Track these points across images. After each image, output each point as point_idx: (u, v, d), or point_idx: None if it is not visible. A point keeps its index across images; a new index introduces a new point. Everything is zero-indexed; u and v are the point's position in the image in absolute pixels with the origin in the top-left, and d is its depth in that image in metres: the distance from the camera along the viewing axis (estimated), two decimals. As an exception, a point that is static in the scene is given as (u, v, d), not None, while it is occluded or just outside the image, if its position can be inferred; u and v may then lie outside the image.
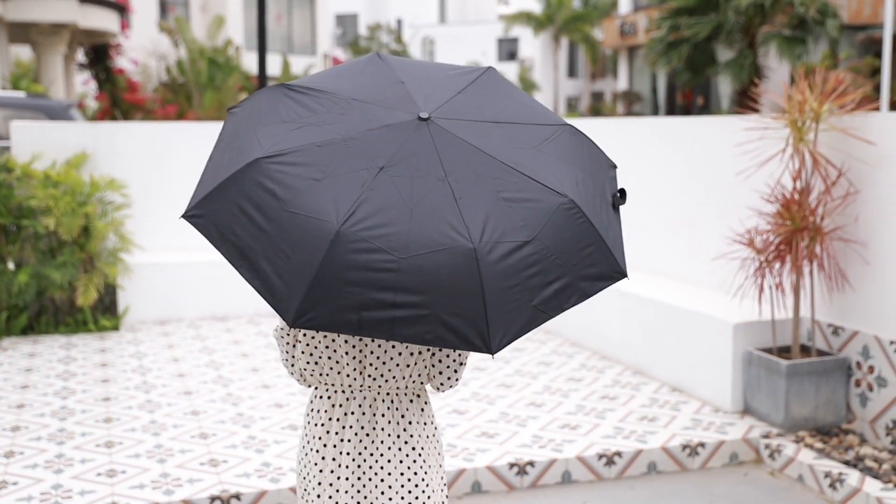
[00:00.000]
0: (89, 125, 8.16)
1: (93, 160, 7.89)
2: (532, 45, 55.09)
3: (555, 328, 7.36)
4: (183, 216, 2.02)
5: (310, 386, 2.39)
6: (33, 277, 7.22)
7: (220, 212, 1.97)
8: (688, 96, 27.33)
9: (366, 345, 2.21)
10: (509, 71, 52.77)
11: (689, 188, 6.54)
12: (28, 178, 7.39)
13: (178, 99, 25.39)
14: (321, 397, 2.33)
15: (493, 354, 1.83)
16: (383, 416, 2.26)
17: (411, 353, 2.23)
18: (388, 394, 2.27)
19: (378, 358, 2.22)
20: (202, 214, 2.00)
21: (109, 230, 7.40)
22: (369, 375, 2.24)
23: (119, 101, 24.30)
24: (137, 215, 8.00)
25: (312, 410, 2.36)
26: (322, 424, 2.31)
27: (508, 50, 57.08)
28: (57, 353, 6.79)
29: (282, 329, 2.36)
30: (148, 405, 5.57)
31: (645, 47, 22.63)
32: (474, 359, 6.67)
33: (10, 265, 7.36)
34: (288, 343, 2.34)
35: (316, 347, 2.26)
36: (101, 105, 24.62)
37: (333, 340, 2.23)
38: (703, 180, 6.37)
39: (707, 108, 26.25)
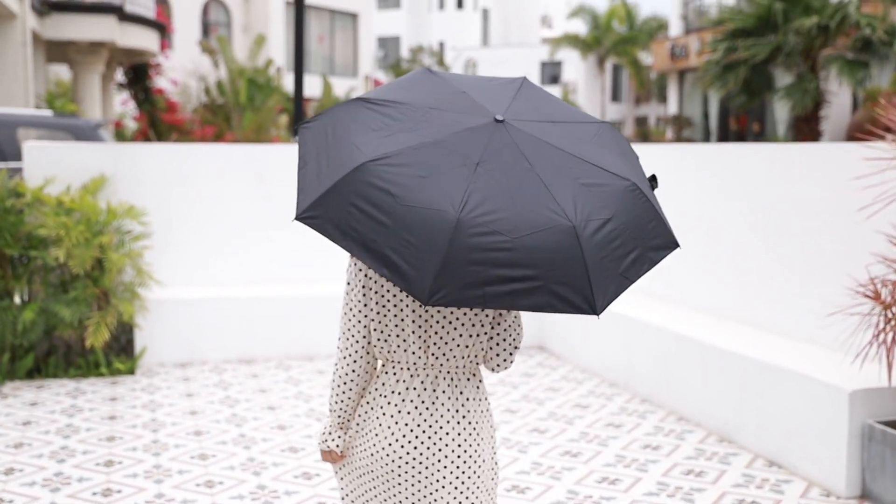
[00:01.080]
0: (109, 146, 7.46)
1: (111, 185, 7.18)
2: (576, 68, 54.31)
3: (622, 380, 6.50)
4: (297, 218, 2.18)
5: (372, 366, 2.55)
6: (41, 314, 6.51)
7: (336, 211, 2.16)
8: (742, 121, 26.32)
9: (430, 326, 2.43)
10: (553, 94, 51.95)
11: (793, 226, 5.66)
12: (40, 204, 6.70)
13: (216, 120, 24.89)
14: (387, 373, 2.51)
15: (598, 315, 2.10)
16: (444, 392, 2.48)
17: (471, 336, 2.46)
18: (448, 372, 2.49)
19: (441, 338, 2.45)
20: (317, 215, 2.18)
21: (126, 263, 6.67)
22: (433, 354, 2.46)
23: (157, 121, 23.82)
24: (158, 246, 7.27)
25: (380, 385, 2.53)
26: (385, 396, 2.50)
27: (551, 73, 56.34)
28: (62, 401, 6.05)
29: (353, 308, 2.48)
30: (155, 472, 4.78)
31: (699, 70, 21.71)
32: (510, 404, 5.82)
33: (17, 300, 6.65)
34: (361, 313, 2.48)
35: (387, 326, 2.46)
36: (139, 125, 24.17)
37: (402, 320, 2.44)
38: (811, 218, 5.49)
39: (762, 135, 25.21)
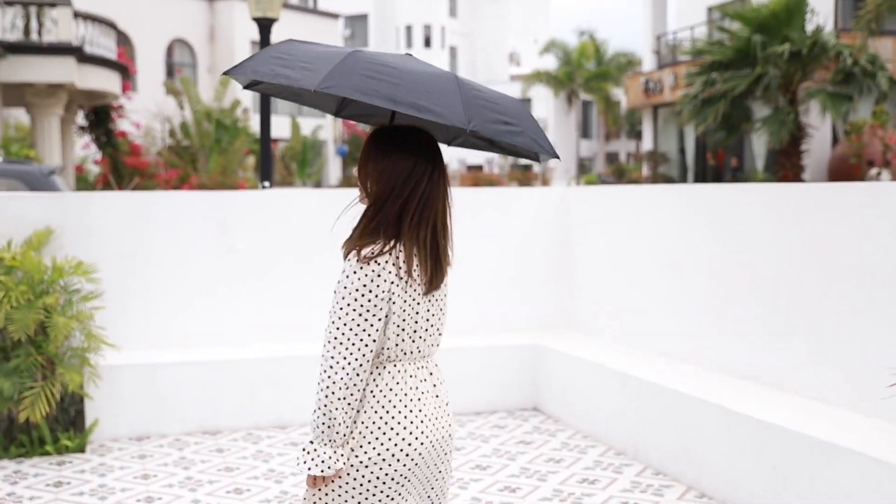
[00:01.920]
0: (55, 196, 6.74)
1: (58, 238, 6.46)
2: (546, 105, 54.20)
3: (631, 448, 5.83)
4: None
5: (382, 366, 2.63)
6: (-24, 387, 5.76)
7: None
8: (720, 157, 25.96)
9: (425, 312, 2.65)
10: (523, 132, 51.67)
11: (833, 278, 5.06)
12: (-24, 262, 5.97)
13: (181, 162, 24.20)
14: (387, 370, 2.62)
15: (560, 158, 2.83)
16: (436, 376, 2.75)
17: (443, 319, 2.75)
18: (432, 357, 2.75)
19: (433, 325, 2.69)
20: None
21: (73, 326, 5.94)
22: (426, 341, 2.68)
23: (120, 165, 23.10)
24: (111, 306, 6.54)
25: (383, 384, 2.61)
26: (397, 393, 2.61)
27: (521, 111, 56.05)
28: (-2, 489, 5.29)
29: (371, 317, 2.53)
30: (101, 584, 4.05)
31: (677, 104, 21.33)
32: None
33: (-50, 371, 5.90)
34: (378, 319, 2.54)
35: (410, 316, 2.60)
36: (101, 169, 23.42)
37: (413, 314, 2.61)
38: (854, 269, 4.89)
39: (741, 170, 24.85)
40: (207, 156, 24.29)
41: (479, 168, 52.75)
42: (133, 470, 5.64)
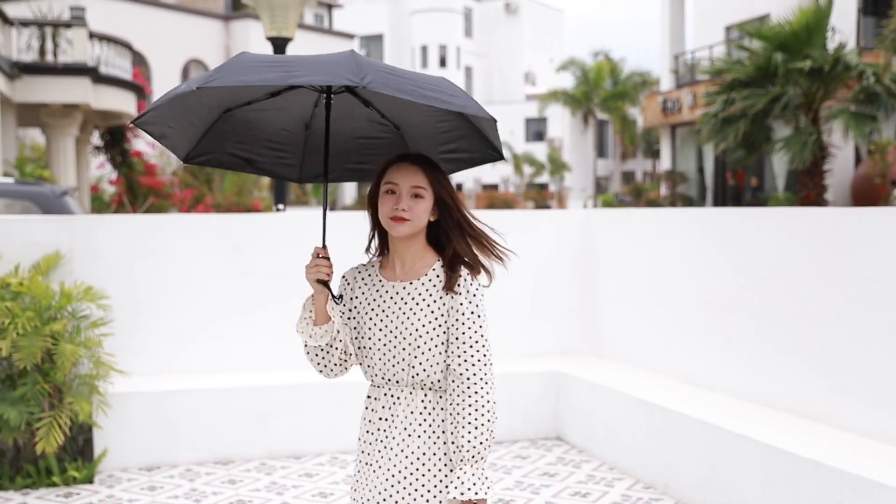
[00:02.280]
0: (65, 219, 6.57)
1: (67, 263, 6.29)
2: (561, 125, 54.03)
3: (661, 482, 5.58)
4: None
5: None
6: (-19, 417, 5.57)
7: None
8: (740, 177, 25.67)
9: None
10: (538, 151, 51.64)
11: (880, 304, 4.82)
12: (-18, 287, 5.80)
13: (196, 182, 24.11)
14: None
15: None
16: None
17: None
18: None
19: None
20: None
21: (81, 353, 5.74)
22: None
23: (135, 184, 23.01)
24: (121, 332, 6.35)
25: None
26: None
27: (536, 130, 56.08)
28: (2, 524, 5.09)
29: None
30: None
31: (697, 123, 21.09)
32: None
33: (-45, 399, 5.72)
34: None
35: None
36: (116, 189, 23.34)
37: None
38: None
39: (761, 190, 24.55)
40: (222, 176, 24.20)
41: (495, 187, 52.60)
42: (143, 503, 5.43)
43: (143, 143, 25.48)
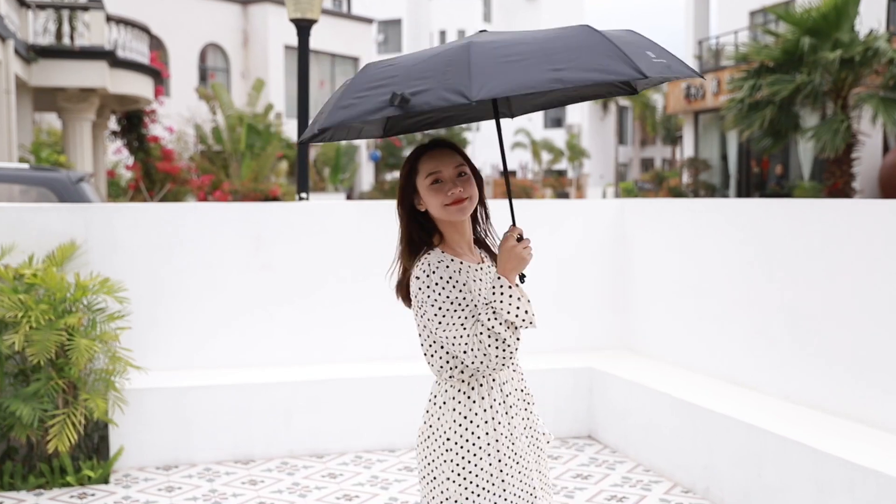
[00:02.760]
0: (81, 208, 6.34)
1: (83, 253, 6.06)
2: (580, 111, 53.61)
3: (701, 486, 5.32)
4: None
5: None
6: (-7, 413, 5.37)
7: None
8: (765, 164, 25.25)
9: None
10: (557, 137, 51.24)
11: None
12: (-5, 278, 5.59)
13: (214, 168, 23.91)
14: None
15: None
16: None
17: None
18: None
19: None
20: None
21: (97, 348, 5.52)
22: None
23: (152, 170, 22.83)
24: (138, 326, 6.13)
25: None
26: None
27: (555, 116, 55.64)
28: (14, 527, 4.88)
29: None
30: None
31: (722, 110, 20.70)
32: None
33: (-33, 395, 5.51)
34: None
35: None
36: (133, 174, 23.18)
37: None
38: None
39: (786, 178, 24.14)
40: (240, 161, 24.00)
41: (513, 174, 52.26)
42: (160, 505, 5.22)
43: (159, 129, 25.31)
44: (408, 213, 2.64)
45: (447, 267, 2.57)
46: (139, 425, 5.87)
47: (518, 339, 2.52)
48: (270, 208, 6.76)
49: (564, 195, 41.96)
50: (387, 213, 6.84)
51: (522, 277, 2.59)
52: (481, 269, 2.66)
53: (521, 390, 2.79)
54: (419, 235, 2.65)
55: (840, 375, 5.03)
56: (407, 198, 2.63)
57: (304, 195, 6.90)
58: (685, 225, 6.50)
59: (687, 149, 28.96)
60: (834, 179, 18.10)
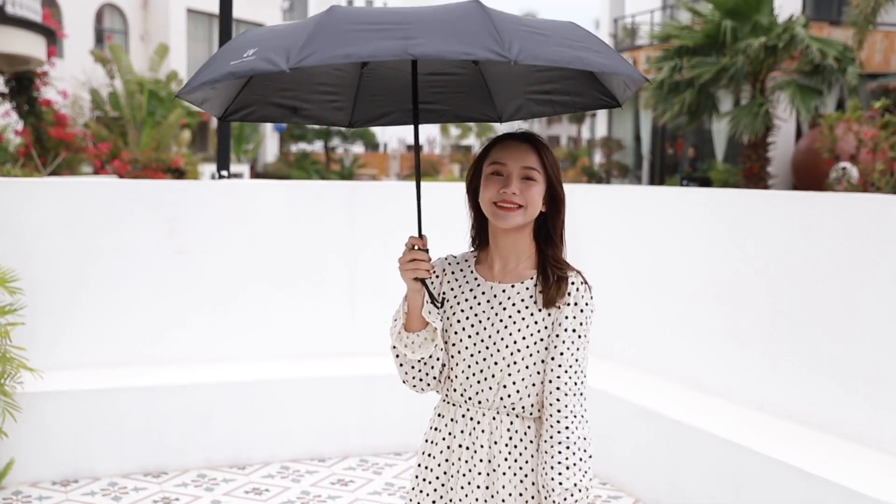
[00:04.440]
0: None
1: (-33, 235, 5.25)
2: (488, 86, 53.25)
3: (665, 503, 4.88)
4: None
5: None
6: None
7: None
8: (679, 146, 25.20)
9: None
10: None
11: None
12: None
13: (111, 136, 22.67)
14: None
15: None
16: None
17: None
18: None
19: None
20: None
21: (-16, 348, 4.76)
22: None
23: (44, 136, 21.44)
24: (33, 322, 5.35)
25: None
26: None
27: (462, 91, 55.15)
28: None
29: None
30: None
31: (644, 88, 20.48)
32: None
33: None
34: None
35: None
36: (22, 140, 21.77)
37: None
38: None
39: (699, 160, 24.11)
40: (139, 129, 22.79)
41: (420, 149, 51.64)
42: (58, 531, 4.50)
43: (53, 92, 23.86)
44: (472, 197, 2.38)
45: (443, 270, 2.41)
46: (33, 435, 5.11)
47: (397, 355, 2.37)
48: (187, 187, 6.03)
49: (472, 171, 41.55)
50: (321, 194, 6.19)
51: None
52: (503, 290, 2.31)
53: (484, 459, 2.33)
54: (476, 226, 2.42)
55: (820, 383, 4.63)
56: (473, 181, 2.35)
57: (224, 172, 6.18)
58: (642, 213, 6.02)
59: (600, 128, 28.79)
60: (750, 163, 18.05)
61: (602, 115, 28.21)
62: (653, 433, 5.03)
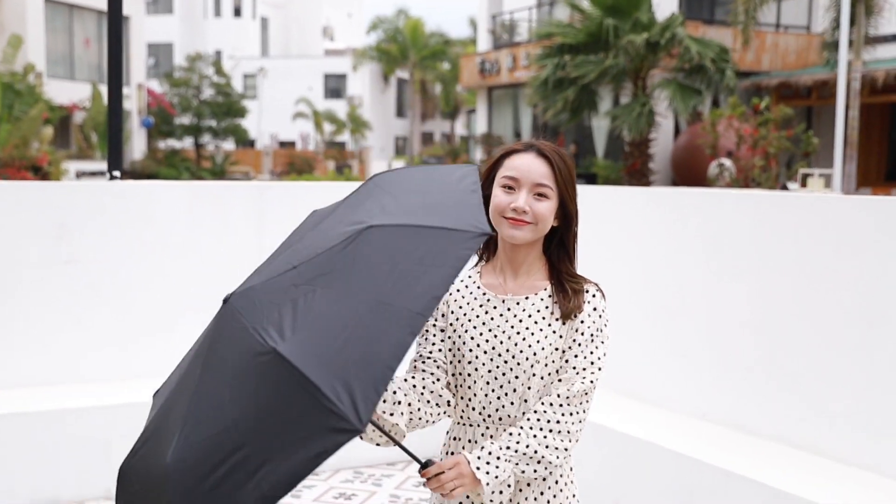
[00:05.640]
0: None
1: None
2: (361, 82, 52.88)
3: (612, 521, 4.66)
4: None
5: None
6: None
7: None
8: (559, 143, 25.39)
9: None
10: (338, 108, 50.31)
11: None
12: None
13: (-34, 132, 21.27)
14: None
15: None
16: None
17: None
18: None
19: None
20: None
21: None
22: None
23: None
24: None
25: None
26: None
27: (335, 86, 54.64)
28: None
29: None
30: None
31: (527, 86, 20.49)
32: None
33: None
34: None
35: None
36: None
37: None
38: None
39: (580, 156, 24.36)
40: (-3, 124, 21.49)
41: (293, 144, 50.77)
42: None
43: None
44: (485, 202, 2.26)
45: (448, 293, 2.28)
46: None
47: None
48: (77, 188, 5.51)
49: (347, 167, 41.08)
50: (223, 197, 5.75)
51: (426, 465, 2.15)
52: (517, 303, 2.28)
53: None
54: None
55: (767, 392, 4.49)
56: (486, 187, 2.26)
57: (116, 173, 5.65)
58: (596, 215, 5.80)
59: (480, 124, 28.78)
60: (633, 160, 18.31)
61: (482, 110, 28.24)
62: (612, 452, 4.79)
